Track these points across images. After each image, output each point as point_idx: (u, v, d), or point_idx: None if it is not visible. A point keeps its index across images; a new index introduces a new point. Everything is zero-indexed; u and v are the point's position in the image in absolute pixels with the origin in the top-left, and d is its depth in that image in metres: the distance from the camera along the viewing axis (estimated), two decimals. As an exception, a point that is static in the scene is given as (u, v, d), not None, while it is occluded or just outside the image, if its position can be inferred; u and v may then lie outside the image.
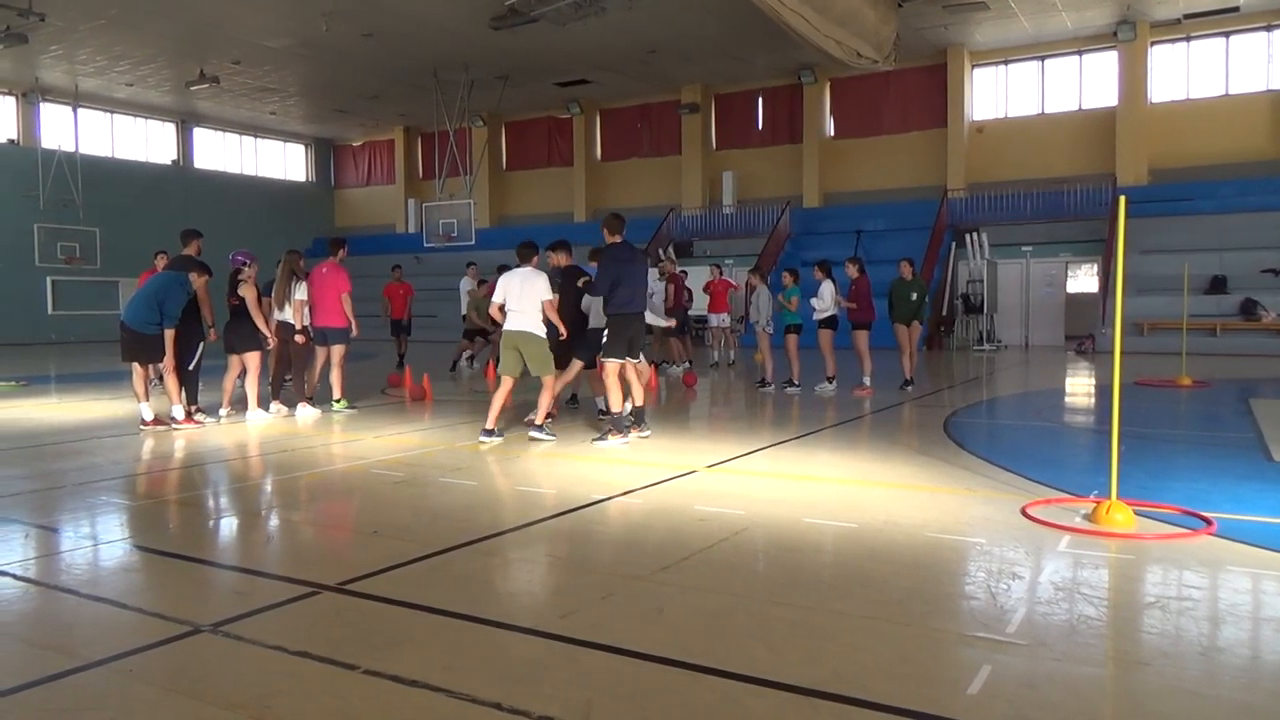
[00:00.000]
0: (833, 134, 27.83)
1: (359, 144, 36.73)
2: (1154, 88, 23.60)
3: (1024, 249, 23.16)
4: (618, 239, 7.79)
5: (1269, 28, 22.48)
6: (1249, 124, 22.57)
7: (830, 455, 7.16)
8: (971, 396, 11.52)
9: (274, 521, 5.42)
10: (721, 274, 16.92)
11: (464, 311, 15.39)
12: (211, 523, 5.42)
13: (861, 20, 19.02)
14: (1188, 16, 22.32)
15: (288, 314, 9.62)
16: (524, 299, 7.60)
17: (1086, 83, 24.60)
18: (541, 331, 7.68)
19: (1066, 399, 11.87)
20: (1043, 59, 25.06)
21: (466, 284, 15.52)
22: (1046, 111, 25.18)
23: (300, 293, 9.54)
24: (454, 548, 4.52)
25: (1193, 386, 11.90)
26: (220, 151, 33.63)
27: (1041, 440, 8.51)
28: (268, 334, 9.26)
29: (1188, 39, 23.31)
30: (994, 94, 25.86)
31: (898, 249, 22.88)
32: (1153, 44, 23.40)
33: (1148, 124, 23.33)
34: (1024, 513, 5.04)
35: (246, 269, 9.15)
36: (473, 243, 26.36)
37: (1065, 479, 5.94)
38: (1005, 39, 24.19)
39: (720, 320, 16.31)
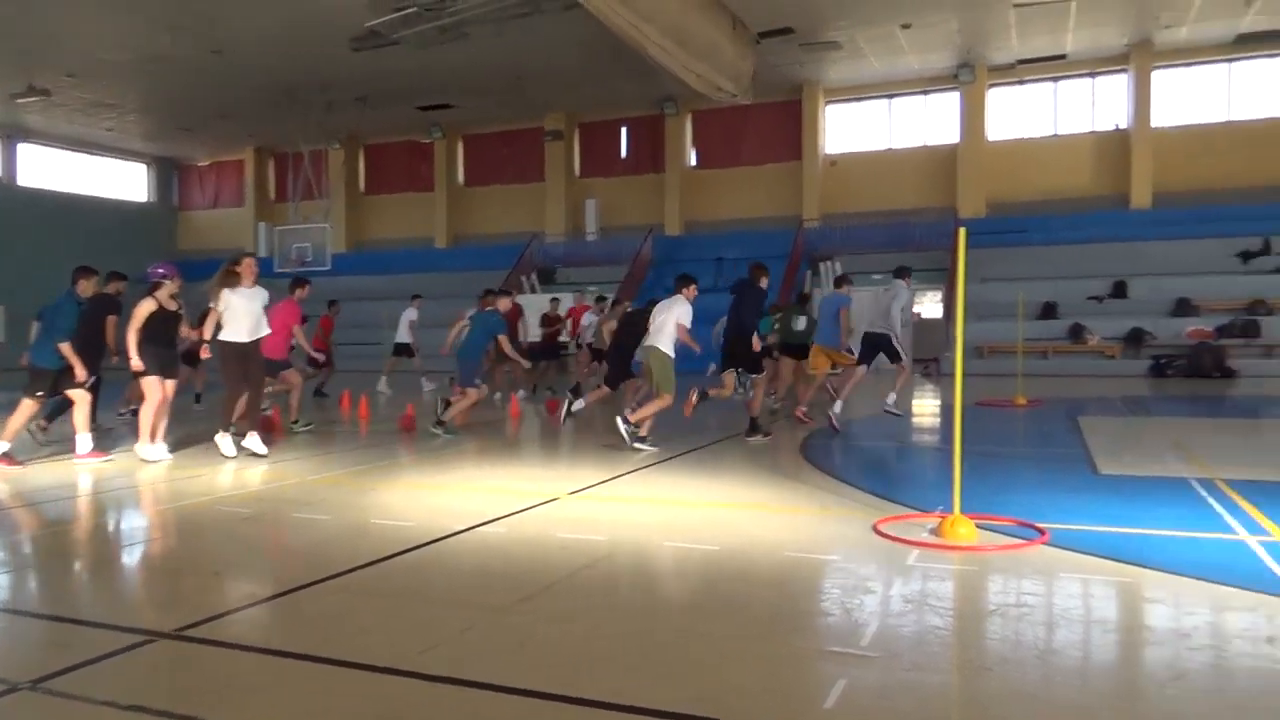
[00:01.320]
0: (694, 164, 28.49)
1: (206, 164, 35.08)
2: (991, 127, 25.28)
3: (874, 277, 24.21)
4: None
5: (1093, 74, 24.51)
6: (1076, 162, 24.49)
7: (692, 479, 7.25)
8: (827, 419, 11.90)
9: (103, 565, 5.04)
10: (584, 300, 17.09)
11: (402, 339, 16.08)
12: (27, 569, 5.00)
13: (721, 54, 19.61)
14: (1021, 61, 24.06)
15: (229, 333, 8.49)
16: (661, 322, 8.81)
17: (931, 121, 26.12)
18: (669, 351, 8.78)
19: (914, 420, 12.43)
20: (891, 97, 26.45)
21: (412, 314, 16.05)
22: (894, 147, 26.56)
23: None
24: (305, 586, 4.31)
25: (1028, 406, 12.68)
26: (49, 169, 31.41)
27: (892, 460, 8.88)
28: (139, 364, 8.10)
29: (1021, 82, 25.12)
30: (846, 129, 27.09)
31: (757, 276, 23.53)
32: (990, 86, 25.09)
33: (986, 161, 24.93)
34: (876, 529, 5.22)
35: (169, 284, 8.37)
36: (328, 268, 25.58)
37: (914, 496, 6.20)
38: (856, 77, 25.41)
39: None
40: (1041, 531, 5.03)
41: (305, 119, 25.38)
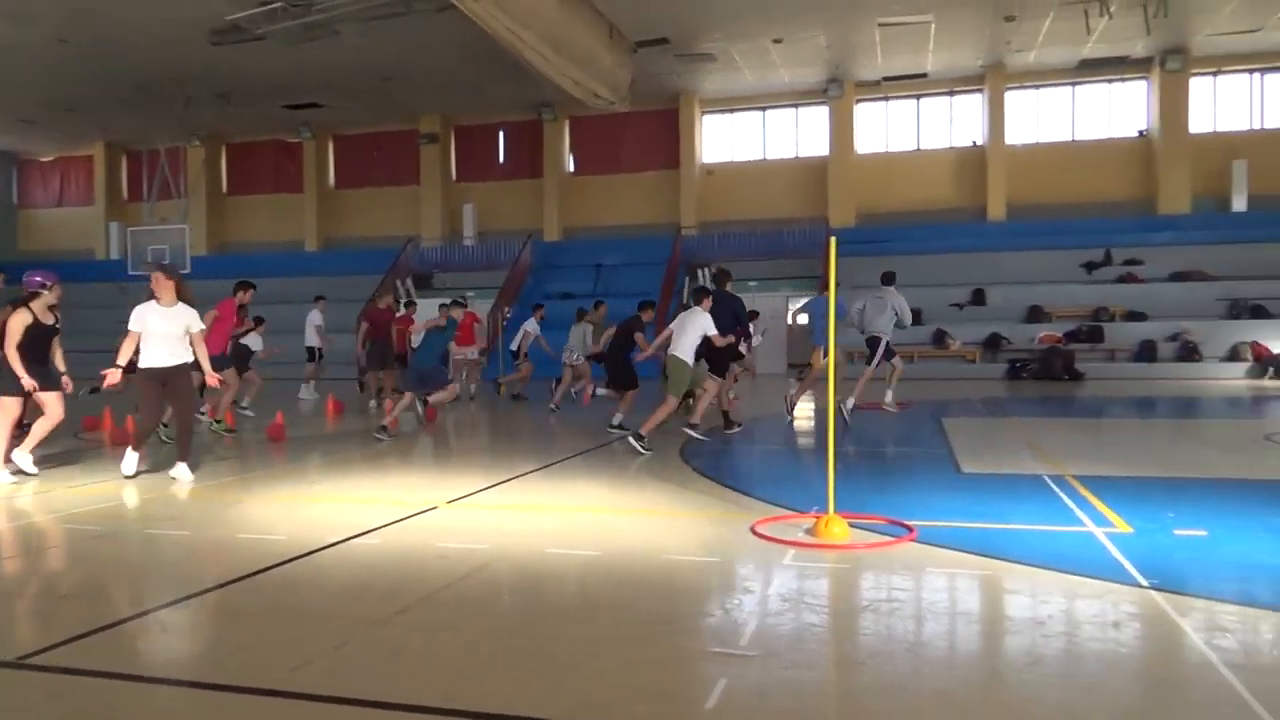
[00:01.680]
0: (573, 170, 28.49)
1: (50, 159, 32.81)
2: (860, 140, 26.25)
3: (750, 284, 24.77)
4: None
5: (951, 93, 25.79)
6: (938, 176, 25.72)
7: (573, 485, 7.23)
8: (705, 423, 12.08)
9: (-64, 590, 4.64)
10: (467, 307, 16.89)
11: (310, 343, 15.92)
12: None
13: (598, 62, 19.70)
14: (886, 79, 25.10)
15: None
16: (682, 330, 9.37)
17: (802, 133, 26.94)
18: (686, 358, 9.31)
19: (791, 423, 12.76)
20: (764, 109, 27.14)
21: (316, 317, 15.94)
22: (768, 158, 27.26)
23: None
24: (165, 605, 4.08)
25: (897, 409, 13.18)
26: None
27: (768, 462, 9.09)
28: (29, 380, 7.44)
29: (886, 99, 26.20)
30: (722, 139, 27.64)
31: (635, 283, 23.72)
32: (858, 101, 26.06)
33: (855, 173, 25.88)
34: (753, 531, 5.33)
35: (46, 294, 7.59)
36: (187, 271, 24.29)
37: (790, 497, 6.35)
38: (731, 89, 25.96)
39: (468, 354, 16.13)
40: (910, 529, 5.24)
41: (161, 114, 24.09)
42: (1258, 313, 20.41)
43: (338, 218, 30.15)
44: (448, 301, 12.14)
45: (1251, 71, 23.99)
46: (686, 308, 9.86)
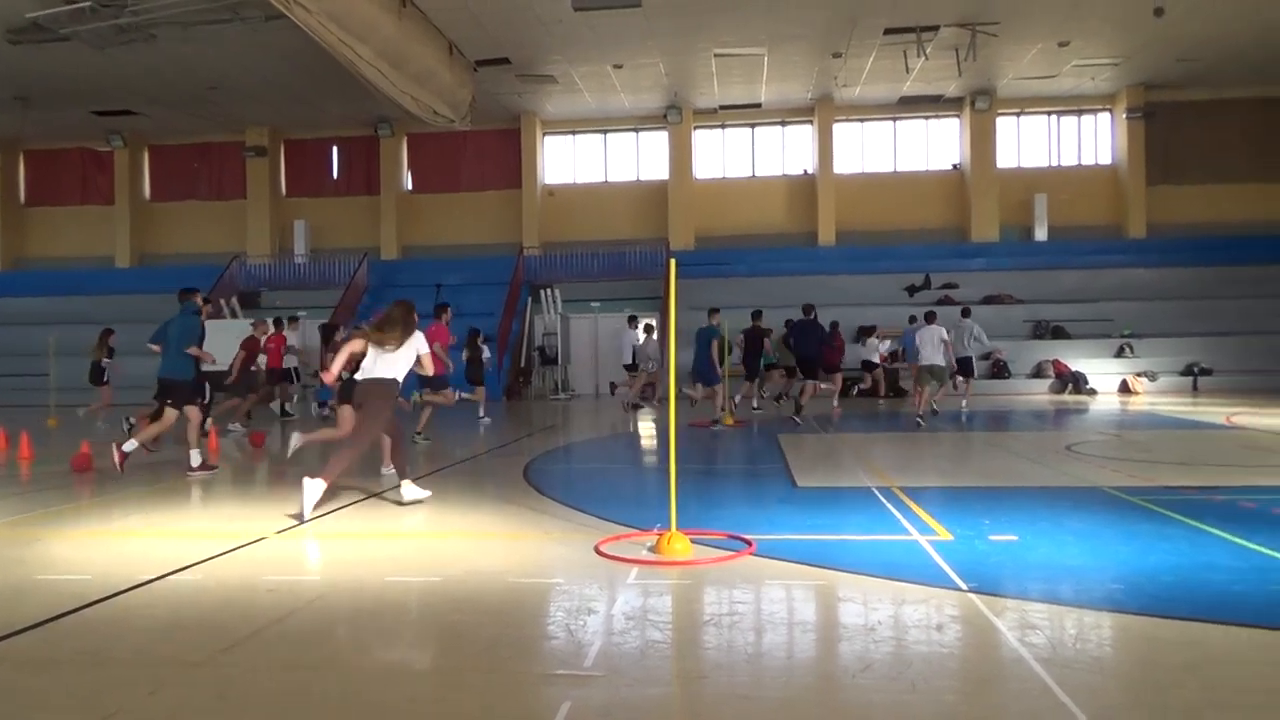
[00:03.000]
0: (411, 188, 27.91)
1: None
2: (698, 166, 26.97)
3: (593, 304, 24.93)
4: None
5: (784, 123, 26.94)
6: (772, 202, 26.77)
7: (413, 510, 7.00)
8: (549, 443, 12.04)
9: None
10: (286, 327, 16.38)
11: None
12: None
13: (438, 80, 19.41)
14: (723, 107, 25.95)
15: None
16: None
17: (643, 157, 27.44)
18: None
19: (632, 442, 12.89)
20: (606, 132, 27.48)
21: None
22: (610, 180, 27.59)
23: None
24: (-54, 657, 3.66)
25: (734, 426, 13.55)
26: None
27: (612, 481, 9.12)
28: None
29: (723, 126, 27.07)
30: (564, 160, 27.77)
31: (477, 303, 23.43)
32: (696, 128, 26.80)
33: (693, 197, 26.55)
34: (597, 550, 5.32)
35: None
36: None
37: (633, 515, 6.39)
38: (573, 111, 26.16)
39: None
40: (749, 543, 5.36)
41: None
42: (1058, 333, 22.27)
43: (154, 232, 28.34)
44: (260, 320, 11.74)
45: (1049, 113, 26.29)
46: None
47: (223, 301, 24.04)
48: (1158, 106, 24.85)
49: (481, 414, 14.96)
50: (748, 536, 5.50)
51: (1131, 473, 8.20)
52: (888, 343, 18.63)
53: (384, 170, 27.34)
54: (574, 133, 27.47)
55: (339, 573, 5.01)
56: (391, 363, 7.00)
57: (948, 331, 14.67)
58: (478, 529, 6.24)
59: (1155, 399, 18.60)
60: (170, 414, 9.09)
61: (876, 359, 18.76)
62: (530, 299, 24.36)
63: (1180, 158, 25.05)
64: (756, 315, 15.87)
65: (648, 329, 17.44)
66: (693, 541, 5.30)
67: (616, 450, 11.17)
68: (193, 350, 8.99)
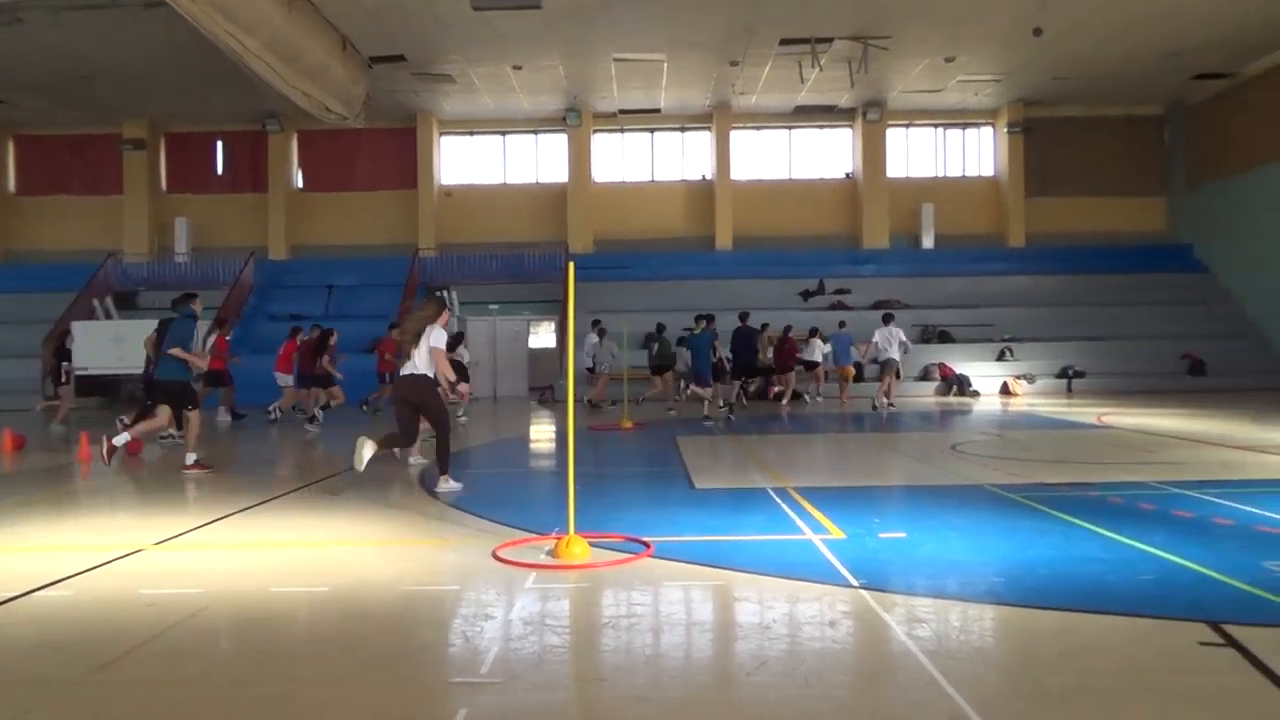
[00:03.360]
0: (301, 186, 27.10)
1: None
2: (597, 169, 26.99)
3: (491, 307, 24.67)
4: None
5: (683, 129, 27.22)
6: (671, 207, 27.00)
7: (301, 518, 6.79)
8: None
9: None
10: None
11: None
12: None
13: (331, 76, 18.90)
14: (622, 111, 26.04)
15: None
16: None
17: (543, 159, 27.31)
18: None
19: (532, 445, 12.79)
20: (505, 134, 27.25)
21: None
22: (509, 182, 27.36)
23: None
24: None
25: (633, 429, 13.61)
26: None
27: (510, 485, 9.03)
28: None
29: (623, 130, 27.17)
30: (462, 161, 27.42)
31: (371, 305, 22.92)
32: (595, 131, 26.81)
33: (593, 200, 26.55)
34: (495, 555, 5.26)
35: None
36: None
37: (532, 520, 6.34)
38: (471, 112, 25.84)
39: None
40: (647, 545, 5.39)
41: None
42: (944, 338, 23.14)
43: (20, 227, 26.75)
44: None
45: (936, 126, 27.32)
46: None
47: (96, 302, 22.89)
48: (1036, 122, 26.13)
49: (461, 414, 15.54)
50: (646, 539, 5.52)
51: (1012, 471, 8.58)
52: (829, 345, 19.59)
53: (273, 167, 26.46)
54: (472, 133, 27.16)
55: (222, 585, 4.81)
56: (415, 359, 7.68)
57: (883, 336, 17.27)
58: (371, 537, 6.09)
59: (1033, 400, 19.53)
60: (164, 412, 9.74)
61: (819, 358, 19.66)
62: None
63: (1056, 171, 26.39)
64: (744, 316, 17.09)
65: (600, 332, 18.56)
66: (591, 545, 5.29)
67: (515, 454, 11.08)
68: (175, 352, 9.29)
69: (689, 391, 16.98)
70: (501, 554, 5.26)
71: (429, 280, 24.86)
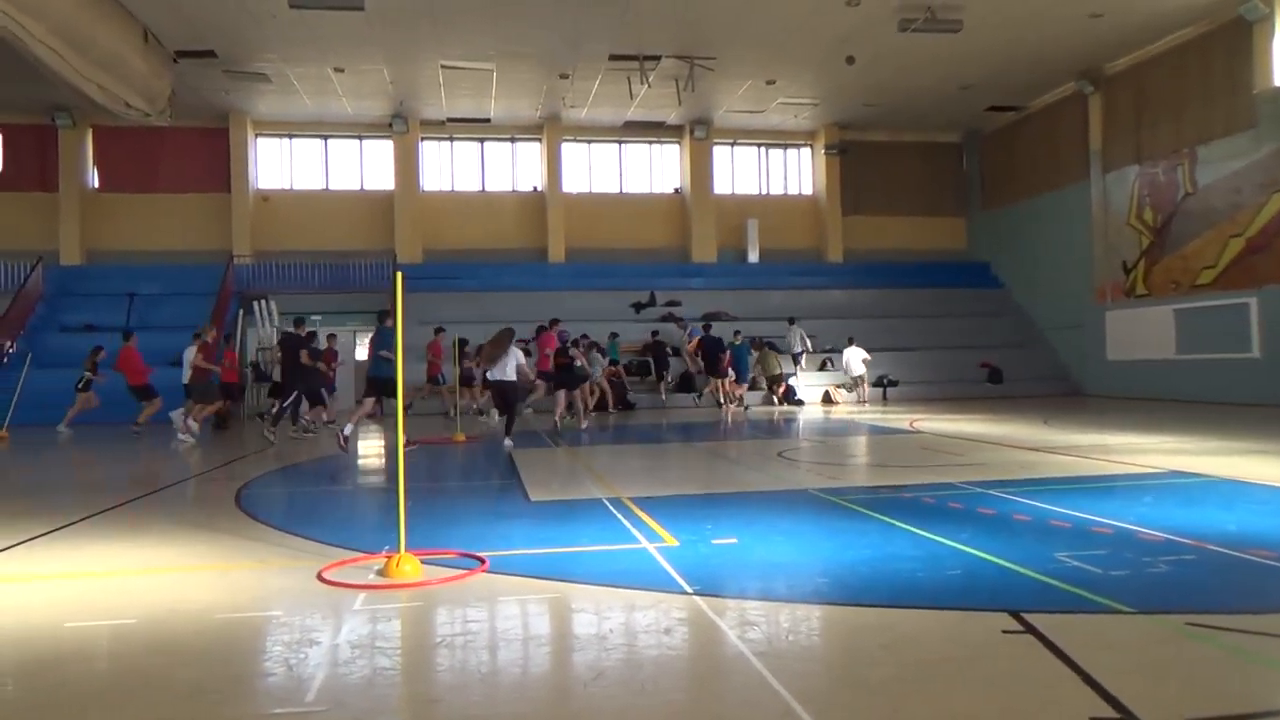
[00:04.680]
0: (97, 186, 25.12)
1: None
2: (426, 178, 26.43)
3: (314, 318, 23.62)
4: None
5: (513, 139, 27.05)
6: (502, 218, 26.80)
7: (103, 545, 6.24)
8: (266, 465, 11.23)
9: None
10: None
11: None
12: None
13: (129, 68, 17.63)
14: (450, 120, 25.62)
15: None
16: None
17: (368, 166, 26.46)
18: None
19: (360, 461, 12.32)
20: (326, 138, 26.23)
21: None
22: (331, 188, 26.36)
23: None
24: None
25: (466, 442, 13.37)
26: None
27: (337, 504, 8.65)
28: None
29: (452, 139, 26.73)
30: (280, 165, 26.17)
31: (178, 314, 21.50)
32: (423, 139, 26.26)
33: (421, 209, 25.97)
34: (320, 577, 5.01)
35: None
36: None
37: (360, 539, 6.09)
38: (288, 113, 24.74)
39: None
40: (482, 560, 5.28)
41: None
42: (771, 348, 23.99)
43: None
44: None
45: (759, 145, 28.42)
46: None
47: None
48: (849, 144, 27.67)
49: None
50: (480, 554, 5.41)
51: (833, 475, 8.99)
52: (755, 354, 21.59)
53: (64, 165, 24.41)
54: (291, 136, 26.03)
55: (5, 621, 4.34)
56: (501, 369, 12.22)
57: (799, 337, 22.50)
58: (182, 562, 5.67)
59: (853, 408, 20.57)
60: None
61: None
62: (241, 311, 22.66)
63: (869, 191, 28.04)
64: (707, 326, 21.47)
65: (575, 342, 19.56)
66: (423, 562, 5.13)
67: (341, 471, 10.63)
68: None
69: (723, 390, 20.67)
70: (327, 575, 5.02)
71: (244, 289, 23.60)
